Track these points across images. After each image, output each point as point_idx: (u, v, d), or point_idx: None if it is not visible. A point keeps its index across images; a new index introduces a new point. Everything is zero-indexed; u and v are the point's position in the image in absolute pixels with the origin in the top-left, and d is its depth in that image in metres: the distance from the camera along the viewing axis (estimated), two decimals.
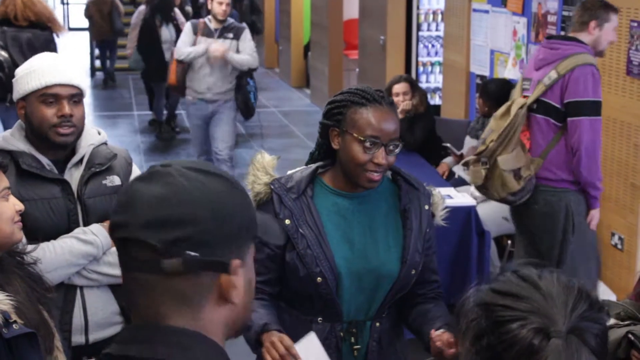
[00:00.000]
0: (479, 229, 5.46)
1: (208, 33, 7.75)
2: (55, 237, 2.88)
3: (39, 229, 2.86)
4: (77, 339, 2.94)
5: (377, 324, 2.79)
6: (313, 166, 2.78)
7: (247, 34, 7.84)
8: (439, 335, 2.61)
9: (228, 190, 1.37)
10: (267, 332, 2.60)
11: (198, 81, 7.79)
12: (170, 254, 1.30)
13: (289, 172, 2.82)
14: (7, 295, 2.16)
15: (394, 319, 2.86)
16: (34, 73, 2.89)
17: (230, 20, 7.94)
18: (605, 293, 5.27)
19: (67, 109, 2.90)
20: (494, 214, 5.89)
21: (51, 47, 8.82)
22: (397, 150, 2.66)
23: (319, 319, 2.74)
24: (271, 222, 2.78)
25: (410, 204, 2.77)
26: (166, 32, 10.86)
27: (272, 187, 2.72)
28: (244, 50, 7.77)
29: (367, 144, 2.61)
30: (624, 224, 5.44)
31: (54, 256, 2.83)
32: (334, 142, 2.68)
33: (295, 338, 2.63)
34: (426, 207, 2.80)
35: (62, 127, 2.91)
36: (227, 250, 1.34)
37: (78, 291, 2.94)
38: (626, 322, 2.63)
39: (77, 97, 2.94)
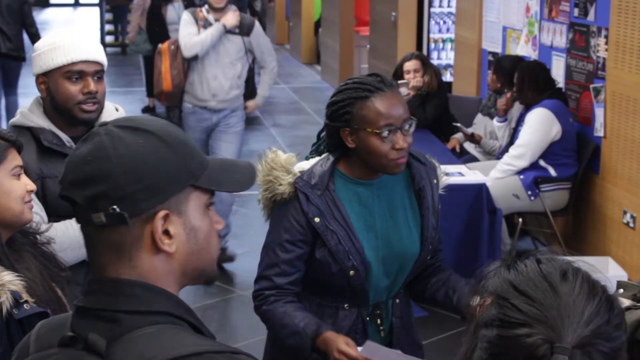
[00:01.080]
0: (490, 207, 5.46)
1: (208, 26, 6.39)
2: None
3: (61, 205, 2.83)
4: None
5: (397, 301, 2.82)
6: (330, 158, 2.74)
7: (258, 29, 6.51)
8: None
9: (150, 145, 1.43)
10: (321, 335, 2.61)
11: (201, 85, 6.39)
12: (94, 209, 1.40)
13: (303, 164, 2.78)
14: (17, 275, 2.16)
15: (406, 293, 2.90)
16: (60, 49, 2.88)
17: (232, 8, 6.50)
18: (616, 271, 5.27)
19: (92, 85, 2.91)
20: (504, 191, 5.89)
21: (25, 8, 8.98)
22: (412, 129, 2.66)
23: (345, 305, 2.76)
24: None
25: (424, 181, 2.79)
26: (172, 12, 10.68)
27: (297, 185, 2.68)
28: (262, 52, 6.54)
29: (385, 134, 2.60)
30: (636, 202, 5.44)
31: (78, 234, 2.80)
32: (348, 141, 2.66)
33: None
34: (435, 181, 2.82)
35: (87, 103, 2.92)
36: (148, 201, 1.41)
37: None
38: None
39: (100, 73, 2.96)
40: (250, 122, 11.53)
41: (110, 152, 1.41)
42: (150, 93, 11.65)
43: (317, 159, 2.78)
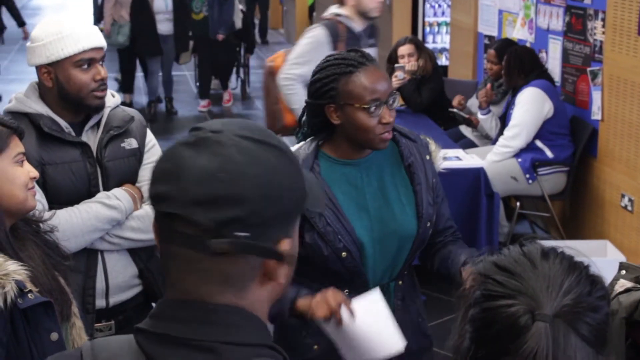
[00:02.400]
0: (487, 191, 5.46)
1: (352, 39, 5.12)
2: (76, 201, 2.87)
3: (61, 192, 2.85)
4: (99, 302, 2.94)
5: (400, 282, 2.80)
6: (314, 141, 2.73)
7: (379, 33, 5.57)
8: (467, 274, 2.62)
9: (281, 163, 1.26)
10: (302, 298, 2.54)
11: None
12: (218, 234, 1.20)
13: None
14: (22, 265, 2.14)
15: (411, 275, 2.87)
16: (68, 38, 2.84)
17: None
18: (614, 255, 5.27)
19: (103, 72, 2.90)
20: (502, 174, 5.89)
21: None
22: (396, 103, 2.65)
23: (345, 290, 2.70)
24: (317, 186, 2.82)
25: (413, 157, 2.77)
26: (160, 1, 10.48)
27: None
28: None
29: (372, 109, 2.59)
30: (634, 185, 5.43)
31: (81, 221, 2.82)
32: (333, 118, 2.64)
33: None
34: (427, 157, 2.80)
35: (99, 90, 2.90)
36: (277, 229, 1.25)
37: (99, 255, 2.94)
38: None
39: (104, 58, 2.94)
40: (245, 104, 11.51)
41: (245, 170, 1.22)
42: (126, 89, 11.20)
43: (301, 143, 2.77)
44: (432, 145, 2.87)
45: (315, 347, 2.71)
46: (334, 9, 5.21)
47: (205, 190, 1.20)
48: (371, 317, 2.44)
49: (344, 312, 2.42)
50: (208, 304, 1.24)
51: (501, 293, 1.42)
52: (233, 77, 12.08)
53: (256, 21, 16.71)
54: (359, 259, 2.67)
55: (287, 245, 1.27)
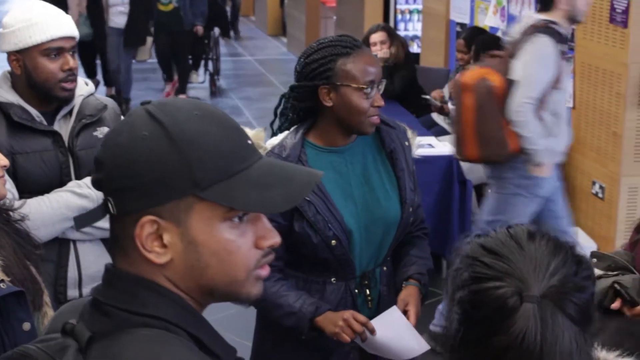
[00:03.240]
0: (460, 178, 5.48)
1: (562, 44, 4.50)
2: (47, 190, 2.84)
3: (32, 182, 2.82)
4: (71, 292, 2.92)
5: (385, 268, 2.81)
6: (300, 130, 2.72)
7: None
8: (403, 299, 2.72)
9: (155, 140, 1.27)
10: (320, 315, 2.64)
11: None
12: (102, 192, 1.31)
13: (273, 141, 2.76)
14: None
15: (392, 259, 2.88)
16: (37, 26, 2.81)
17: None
18: (585, 242, 5.31)
19: (71, 62, 2.86)
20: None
21: None
22: (382, 89, 2.67)
23: (332, 279, 2.74)
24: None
25: (394, 144, 2.78)
26: None
27: None
28: None
29: (368, 90, 2.60)
30: (605, 172, 5.47)
31: (51, 210, 2.80)
32: (325, 100, 2.63)
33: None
34: (406, 143, 2.82)
35: (67, 81, 2.86)
36: (138, 202, 1.26)
37: (71, 245, 2.92)
38: (615, 273, 2.65)
39: (74, 48, 2.91)
40: (218, 94, 11.46)
41: (114, 138, 1.30)
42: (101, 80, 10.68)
43: (285, 133, 2.75)
44: (409, 132, 2.88)
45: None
46: (537, 16, 4.55)
47: (97, 154, 1.32)
48: (392, 328, 2.65)
49: (367, 332, 2.61)
50: (118, 270, 1.32)
51: (489, 275, 1.44)
52: (201, 70, 11.68)
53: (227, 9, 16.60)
54: (347, 246, 2.68)
55: (156, 222, 1.27)
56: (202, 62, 11.68)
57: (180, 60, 10.97)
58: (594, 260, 2.70)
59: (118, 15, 9.93)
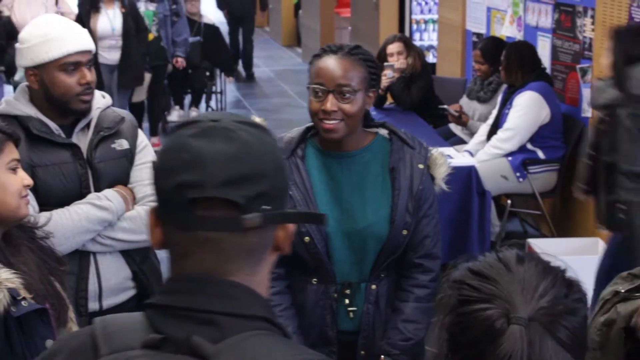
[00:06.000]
0: (479, 189, 5.45)
1: None
2: (67, 203, 2.85)
3: (52, 194, 2.84)
4: (92, 305, 2.92)
5: (373, 287, 2.78)
6: (304, 126, 2.80)
7: None
8: None
9: (274, 142, 1.38)
10: None
11: None
12: (251, 209, 1.29)
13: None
14: (14, 272, 2.12)
15: (393, 282, 2.82)
16: (54, 41, 2.82)
17: None
18: None
19: (89, 76, 2.87)
20: (492, 173, 5.86)
21: None
22: (350, 96, 2.62)
23: (314, 280, 2.77)
24: None
25: (400, 162, 2.74)
26: (105, 22, 7.92)
27: None
28: None
29: (316, 92, 2.65)
30: None
31: (71, 223, 2.81)
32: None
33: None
34: (420, 166, 2.75)
35: (85, 94, 2.88)
36: (285, 201, 1.36)
37: (92, 257, 2.91)
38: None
39: (91, 61, 2.92)
40: (234, 106, 11.47)
41: (259, 149, 1.32)
42: None
43: (294, 129, 2.85)
44: (436, 157, 2.82)
45: None
46: None
47: (231, 172, 1.29)
48: None
49: None
50: (213, 277, 1.31)
51: (476, 297, 1.43)
52: (202, 105, 10.49)
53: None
54: (323, 247, 2.71)
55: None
56: (204, 97, 10.37)
57: (155, 97, 9.06)
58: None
59: (108, 50, 8.01)
